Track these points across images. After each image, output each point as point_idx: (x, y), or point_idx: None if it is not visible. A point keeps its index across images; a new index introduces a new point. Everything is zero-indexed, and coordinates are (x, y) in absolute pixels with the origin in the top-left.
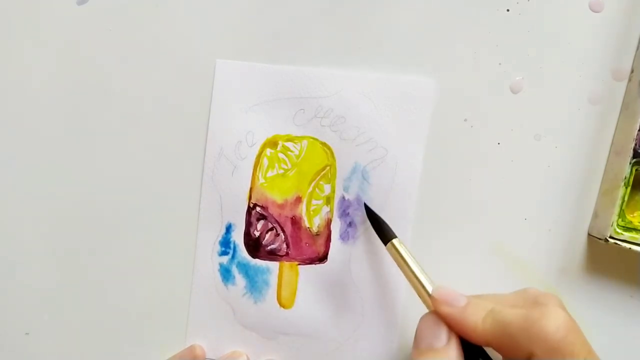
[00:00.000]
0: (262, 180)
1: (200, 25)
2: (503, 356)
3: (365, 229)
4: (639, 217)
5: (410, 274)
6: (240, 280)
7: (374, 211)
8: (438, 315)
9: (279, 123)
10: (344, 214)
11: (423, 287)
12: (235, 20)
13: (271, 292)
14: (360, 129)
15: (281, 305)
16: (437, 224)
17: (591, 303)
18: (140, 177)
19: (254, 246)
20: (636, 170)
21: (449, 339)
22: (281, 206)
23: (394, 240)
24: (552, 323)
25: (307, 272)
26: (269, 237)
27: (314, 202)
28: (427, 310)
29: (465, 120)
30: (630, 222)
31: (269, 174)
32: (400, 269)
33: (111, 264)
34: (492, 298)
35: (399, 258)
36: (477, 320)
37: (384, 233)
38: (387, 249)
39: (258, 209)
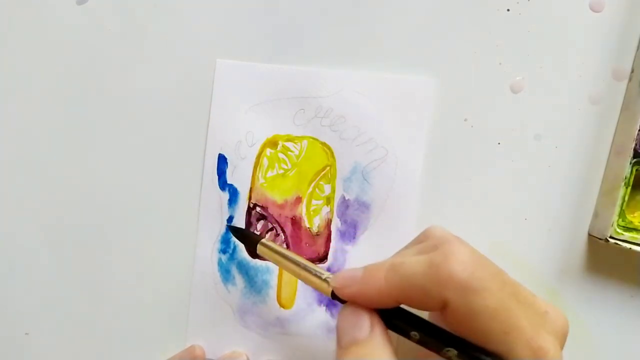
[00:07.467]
0: (262, 180)
1: (200, 25)
2: (418, 309)
3: (366, 229)
4: (639, 217)
5: (295, 267)
6: (240, 280)
7: (235, 226)
8: (353, 305)
9: (279, 123)
10: (344, 214)
11: (317, 275)
12: (235, 20)
13: (271, 292)
14: (360, 129)
15: (281, 305)
16: (437, 224)
17: (591, 303)
18: (141, 176)
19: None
20: (636, 170)
21: (371, 327)
22: (281, 206)
23: (263, 240)
24: (457, 263)
25: None
26: (269, 237)
27: (314, 202)
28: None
29: (465, 120)
30: (631, 222)
31: (269, 174)
32: (282, 266)
33: (111, 264)
34: (395, 255)
35: (276, 254)
36: (378, 283)
37: (251, 237)
38: (259, 252)
39: (258, 209)
